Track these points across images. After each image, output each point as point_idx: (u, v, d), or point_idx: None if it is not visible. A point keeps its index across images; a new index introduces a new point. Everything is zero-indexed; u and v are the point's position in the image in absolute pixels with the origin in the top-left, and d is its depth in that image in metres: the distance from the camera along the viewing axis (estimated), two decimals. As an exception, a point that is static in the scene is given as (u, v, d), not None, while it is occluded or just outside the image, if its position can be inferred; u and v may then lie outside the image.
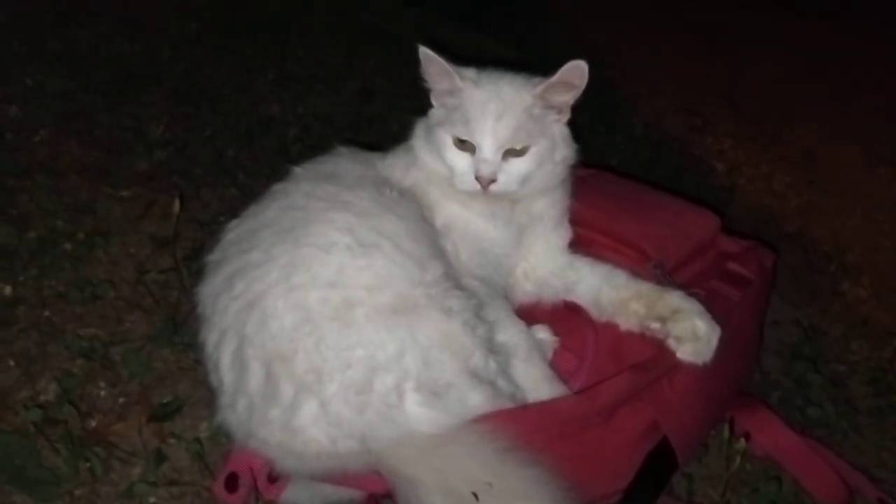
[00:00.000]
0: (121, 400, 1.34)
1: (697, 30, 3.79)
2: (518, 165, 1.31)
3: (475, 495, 1.06)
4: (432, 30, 3.14)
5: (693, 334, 1.27)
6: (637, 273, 1.38)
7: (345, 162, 1.39)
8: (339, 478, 1.14)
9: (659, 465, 1.24)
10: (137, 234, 1.73)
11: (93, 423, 1.29)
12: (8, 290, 1.49)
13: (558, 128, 1.35)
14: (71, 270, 1.58)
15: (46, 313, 1.48)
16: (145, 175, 1.93)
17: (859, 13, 3.84)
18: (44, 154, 1.98)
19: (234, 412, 1.15)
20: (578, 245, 1.45)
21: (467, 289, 1.27)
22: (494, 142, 1.28)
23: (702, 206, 1.58)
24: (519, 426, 1.13)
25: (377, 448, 1.09)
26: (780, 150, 2.79)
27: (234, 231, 1.28)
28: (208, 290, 1.23)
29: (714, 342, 1.27)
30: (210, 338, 1.19)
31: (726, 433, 1.10)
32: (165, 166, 1.96)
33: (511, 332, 1.29)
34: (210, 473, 1.22)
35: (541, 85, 1.29)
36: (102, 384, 1.36)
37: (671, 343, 1.29)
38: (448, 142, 1.32)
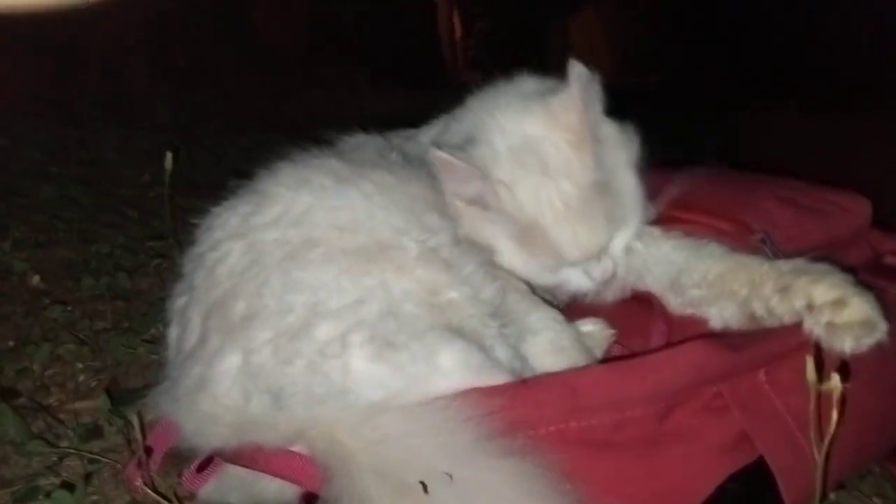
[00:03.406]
0: (93, 383, 1.18)
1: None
2: (624, 236, 0.99)
3: (424, 486, 0.70)
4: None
5: (837, 299, 0.82)
6: (737, 248, 0.98)
7: (354, 137, 1.19)
8: (264, 461, 0.82)
9: (748, 492, 0.77)
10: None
11: (51, 400, 1.12)
12: (36, 279, 1.45)
13: (610, 134, 0.98)
14: (110, 278, 1.50)
15: (68, 308, 1.39)
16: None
17: None
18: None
19: (168, 379, 0.92)
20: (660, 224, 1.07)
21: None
22: (599, 250, 0.96)
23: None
24: (515, 408, 0.77)
25: (294, 407, 0.78)
26: None
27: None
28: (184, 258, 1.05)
29: (878, 319, 0.80)
30: (168, 304, 1.00)
31: (810, 372, 0.62)
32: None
33: (536, 317, 0.95)
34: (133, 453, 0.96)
35: (581, 132, 0.93)
36: (80, 366, 1.21)
37: (808, 321, 0.83)
38: (539, 270, 0.98)
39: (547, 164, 0.94)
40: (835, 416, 0.61)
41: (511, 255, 0.97)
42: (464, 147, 0.96)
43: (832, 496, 0.95)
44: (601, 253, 0.96)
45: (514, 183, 0.94)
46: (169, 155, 1.17)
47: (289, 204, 0.92)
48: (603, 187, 0.94)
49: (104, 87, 3.31)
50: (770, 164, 1.24)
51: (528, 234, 0.95)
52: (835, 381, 0.60)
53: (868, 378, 0.85)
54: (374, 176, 0.96)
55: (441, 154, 0.92)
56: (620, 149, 0.99)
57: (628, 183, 0.98)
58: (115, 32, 3.51)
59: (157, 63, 3.51)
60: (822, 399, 0.67)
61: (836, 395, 0.61)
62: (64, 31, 3.28)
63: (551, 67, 1.01)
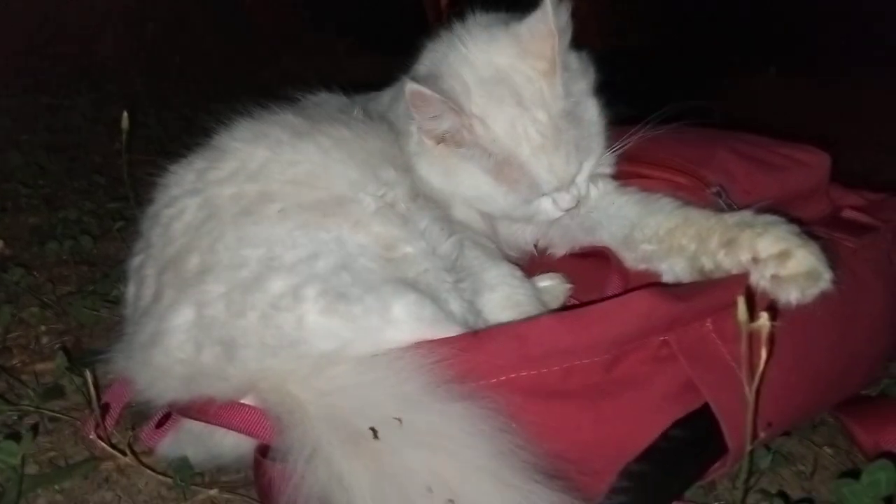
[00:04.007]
0: (56, 345, 1.18)
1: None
2: (589, 165, 0.99)
3: (374, 431, 0.71)
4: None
5: (782, 251, 0.82)
6: (692, 203, 0.98)
7: (316, 95, 1.16)
8: (216, 413, 0.83)
9: (692, 437, 0.79)
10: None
11: (13, 361, 1.12)
12: (0, 244, 1.45)
13: (572, 63, 0.98)
14: (76, 243, 1.50)
15: (33, 272, 1.39)
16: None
17: None
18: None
19: (125, 336, 0.92)
20: (619, 178, 1.08)
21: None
22: (572, 178, 0.96)
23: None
24: (465, 358, 0.77)
25: (246, 359, 0.79)
26: None
27: None
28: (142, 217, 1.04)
29: (822, 269, 0.81)
30: (128, 264, 0.99)
31: (741, 312, 0.63)
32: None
33: (494, 273, 0.96)
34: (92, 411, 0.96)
35: (553, 60, 0.92)
36: (43, 328, 1.21)
37: (754, 274, 0.84)
38: (514, 203, 0.98)
39: (521, 95, 0.93)
40: (764, 353, 0.62)
41: (489, 190, 0.97)
42: (434, 81, 0.94)
43: (783, 445, 0.97)
44: (574, 188, 0.97)
45: (489, 116, 0.93)
46: (125, 115, 1.16)
47: (245, 158, 0.92)
48: (572, 116, 0.94)
49: (78, 54, 3.25)
50: (746, 126, 1.24)
51: (506, 167, 0.94)
52: (763, 319, 0.61)
53: (815, 325, 0.87)
54: (332, 130, 0.96)
55: (415, 86, 0.90)
56: (582, 77, 0.99)
57: (592, 112, 0.98)
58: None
59: (132, 30, 3.44)
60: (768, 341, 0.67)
61: (764, 334, 0.62)
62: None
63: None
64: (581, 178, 0.98)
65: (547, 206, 0.98)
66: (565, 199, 0.97)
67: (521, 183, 0.95)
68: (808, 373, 0.88)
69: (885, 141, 2.75)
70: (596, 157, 0.99)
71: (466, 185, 0.98)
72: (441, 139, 0.95)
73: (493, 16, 1.03)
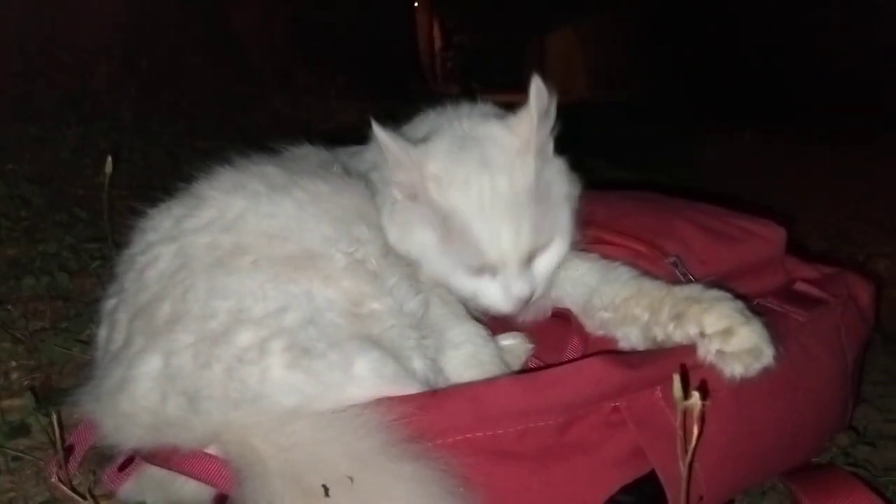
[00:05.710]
0: (25, 382, 1.18)
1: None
2: (549, 260, 0.99)
3: (325, 489, 0.73)
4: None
5: (726, 328, 0.86)
6: (649, 272, 1.03)
7: (300, 147, 1.21)
8: (178, 462, 0.84)
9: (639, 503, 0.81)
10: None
11: (-21, 398, 1.13)
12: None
13: (557, 165, 1.03)
14: (51, 278, 1.51)
15: (7, 307, 1.40)
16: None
17: None
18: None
19: (93, 379, 0.94)
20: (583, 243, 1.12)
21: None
22: (520, 256, 0.95)
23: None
24: (423, 417, 0.80)
25: (210, 411, 0.81)
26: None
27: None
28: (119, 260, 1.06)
29: (764, 346, 0.85)
30: (101, 305, 1.01)
31: (676, 390, 0.66)
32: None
33: (459, 330, 0.99)
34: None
35: (530, 139, 0.96)
36: (14, 364, 1.22)
37: (700, 349, 0.87)
38: (457, 271, 0.98)
39: (488, 159, 0.96)
40: (696, 431, 0.66)
41: (433, 250, 0.98)
42: (414, 141, 0.98)
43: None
44: (522, 268, 0.96)
45: (447, 173, 0.95)
46: (109, 159, 1.19)
47: (222, 208, 0.95)
48: (538, 198, 0.96)
49: (70, 85, 3.28)
50: (715, 186, 1.30)
51: (451, 225, 0.95)
52: (695, 398, 0.65)
53: (764, 395, 0.90)
54: (309, 185, 0.99)
55: (380, 131, 0.94)
56: (563, 181, 1.02)
57: (563, 213, 1.00)
58: (86, 32, 3.49)
59: (126, 64, 3.49)
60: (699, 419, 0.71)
61: (696, 412, 0.65)
62: (36, 27, 3.26)
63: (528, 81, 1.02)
64: (539, 269, 0.98)
65: (493, 290, 0.97)
66: (517, 286, 0.95)
67: (465, 247, 0.95)
68: (754, 441, 0.91)
69: (853, 207, 2.85)
70: (557, 254, 0.99)
71: (417, 243, 0.99)
72: (407, 195, 0.98)
73: (495, 107, 1.09)
